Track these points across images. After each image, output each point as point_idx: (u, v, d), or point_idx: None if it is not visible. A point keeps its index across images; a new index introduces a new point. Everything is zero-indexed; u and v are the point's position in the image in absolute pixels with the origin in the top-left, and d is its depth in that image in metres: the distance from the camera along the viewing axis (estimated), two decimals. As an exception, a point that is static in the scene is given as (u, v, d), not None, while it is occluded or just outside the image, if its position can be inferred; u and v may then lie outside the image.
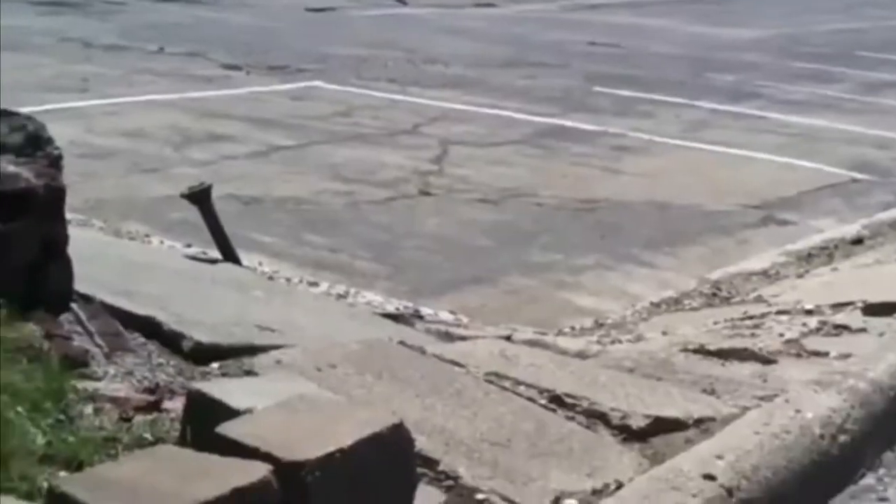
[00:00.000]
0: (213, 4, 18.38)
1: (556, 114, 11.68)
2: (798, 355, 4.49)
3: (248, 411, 2.84)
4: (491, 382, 3.92)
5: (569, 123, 11.27)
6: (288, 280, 6.00)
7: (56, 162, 4.04)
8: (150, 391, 3.42)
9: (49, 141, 4.12)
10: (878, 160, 10.36)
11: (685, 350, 4.60)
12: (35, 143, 4.08)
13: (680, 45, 17.28)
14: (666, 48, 16.98)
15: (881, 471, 3.77)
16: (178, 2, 18.29)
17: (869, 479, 3.71)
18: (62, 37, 14.06)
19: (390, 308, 5.68)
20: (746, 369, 4.31)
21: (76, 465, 2.79)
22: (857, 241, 7.40)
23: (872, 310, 5.06)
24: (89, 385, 3.35)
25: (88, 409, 3.17)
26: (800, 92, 13.85)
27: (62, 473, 2.73)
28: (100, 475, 2.52)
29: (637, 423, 3.71)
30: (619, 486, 3.24)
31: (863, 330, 4.76)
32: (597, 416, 3.75)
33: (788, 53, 16.98)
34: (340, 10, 18.69)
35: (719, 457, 3.33)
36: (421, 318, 5.56)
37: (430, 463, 3.20)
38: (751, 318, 5.26)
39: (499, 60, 14.91)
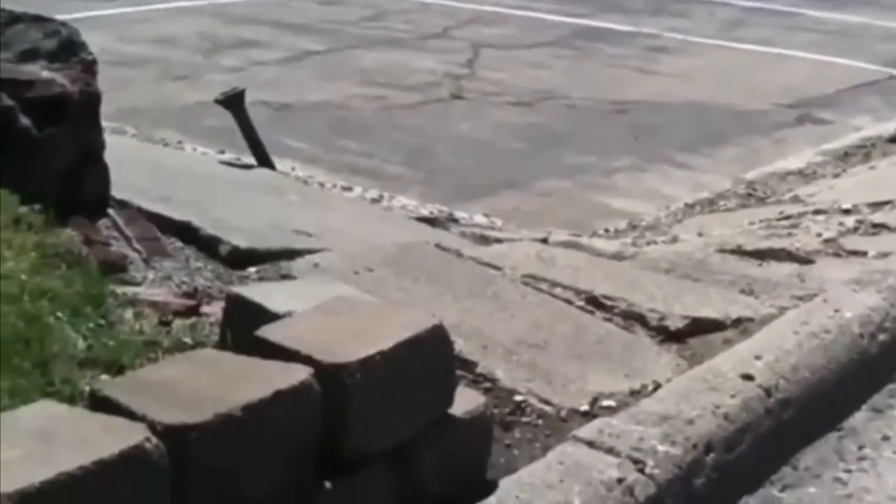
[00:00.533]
0: None
1: (589, 14, 11.55)
2: (836, 255, 4.45)
3: (288, 314, 2.83)
4: (528, 285, 3.91)
5: (602, 24, 11.14)
6: (322, 185, 5.99)
7: (90, 67, 4.03)
8: (189, 295, 3.43)
9: (83, 46, 4.11)
10: (916, 57, 10.21)
11: (722, 251, 4.57)
12: (69, 49, 4.06)
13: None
14: (700, -55, 16.69)
15: (920, 369, 3.75)
16: None
17: (908, 378, 3.69)
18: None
19: (425, 212, 5.67)
20: (784, 269, 4.28)
21: (117, 369, 2.81)
22: (895, 139, 7.31)
23: (911, 208, 5.01)
24: (128, 290, 3.36)
25: (128, 313, 3.18)
26: (837, -12, 13.63)
27: (104, 377, 2.75)
28: (141, 378, 2.53)
29: (675, 324, 3.70)
30: (657, 386, 3.24)
31: (901, 228, 4.72)
32: (634, 318, 3.74)
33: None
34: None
35: (758, 357, 3.32)
36: (456, 221, 5.56)
37: (469, 365, 3.20)
38: (787, 217, 5.22)
39: (530, -39, 14.72)
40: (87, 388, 2.56)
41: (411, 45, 9.93)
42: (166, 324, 3.16)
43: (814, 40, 10.73)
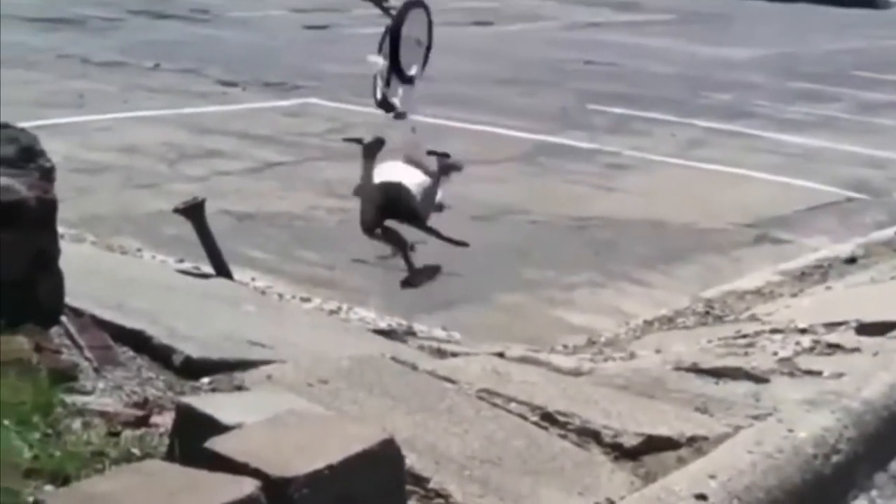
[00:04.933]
0: (211, 22, 18.37)
1: (551, 131, 11.67)
2: (791, 374, 4.46)
3: (238, 426, 2.82)
4: (483, 399, 3.89)
5: (564, 141, 11.26)
6: (280, 296, 5.98)
7: (48, 174, 4.03)
8: (139, 406, 3.40)
9: (41, 153, 4.11)
10: (873, 179, 10.36)
11: (678, 368, 4.58)
12: (27, 156, 4.06)
13: (677, 64, 17.30)
14: (662, 67, 16.99)
15: (874, 492, 3.75)
16: (176, 19, 18.28)
17: (862, 501, 3.69)
18: (59, 53, 14.03)
19: (383, 325, 5.66)
20: (740, 388, 4.29)
21: (62, 480, 2.77)
22: (852, 261, 7.39)
23: (866, 329, 5.05)
24: (78, 399, 3.33)
25: (76, 423, 3.15)
26: (796, 111, 13.86)
27: (48, 488, 2.71)
28: (85, 490, 2.50)
29: (629, 441, 3.69)
30: (611, 504, 3.22)
31: (856, 349, 4.74)
32: (589, 434, 3.73)
33: (784, 72, 16.99)
34: (337, 28, 18.69)
35: (712, 476, 3.31)
36: (414, 334, 5.55)
37: (420, 481, 3.17)
38: (744, 336, 5.25)
39: (496, 78, 14.92)
40: (31, 500, 2.52)
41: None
42: (115, 434, 3.13)
43: (773, 162, 10.88)
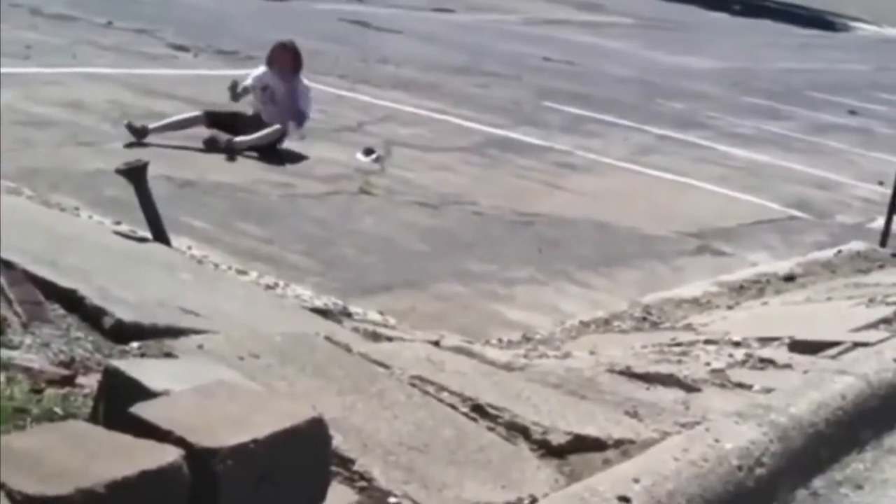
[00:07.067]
0: (169, -17, 18.19)
1: (505, 125, 11.68)
2: (722, 385, 4.48)
3: (165, 393, 2.77)
4: (415, 386, 3.86)
5: (516, 136, 11.27)
6: (216, 266, 5.91)
7: (-10, 123, 3.94)
8: (66, 365, 3.33)
9: (-15, 101, 4.03)
10: (817, 200, 10.47)
11: (611, 371, 4.58)
12: (-30, 103, 3.98)
13: (634, 69, 17.37)
14: (620, 70, 17.05)
15: (793, 507, 3.77)
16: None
17: (781, 515, 3.70)
18: (10, 2, 13.80)
19: (319, 304, 5.61)
20: (670, 395, 4.30)
21: (-19, 434, 2.71)
22: (790, 278, 7.45)
23: (799, 347, 5.08)
24: (3, 353, 3.26)
25: (-1, 377, 3.08)
26: (747, 126, 13.97)
27: (-35, 441, 2.64)
28: (5, 445, 2.44)
29: (557, 439, 3.68)
30: (534, 500, 3.20)
31: (788, 366, 4.77)
32: (518, 429, 3.71)
33: (740, 87, 17.13)
34: (297, 1, 18.60)
35: (636, 480, 3.30)
36: (349, 315, 5.51)
37: (346, 462, 3.14)
38: (678, 344, 5.26)
39: (452, 67, 14.90)
40: (-53, 451, 2.46)
41: (324, 136, 9.93)
42: (38, 391, 3.07)
43: (721, 174, 10.96)
